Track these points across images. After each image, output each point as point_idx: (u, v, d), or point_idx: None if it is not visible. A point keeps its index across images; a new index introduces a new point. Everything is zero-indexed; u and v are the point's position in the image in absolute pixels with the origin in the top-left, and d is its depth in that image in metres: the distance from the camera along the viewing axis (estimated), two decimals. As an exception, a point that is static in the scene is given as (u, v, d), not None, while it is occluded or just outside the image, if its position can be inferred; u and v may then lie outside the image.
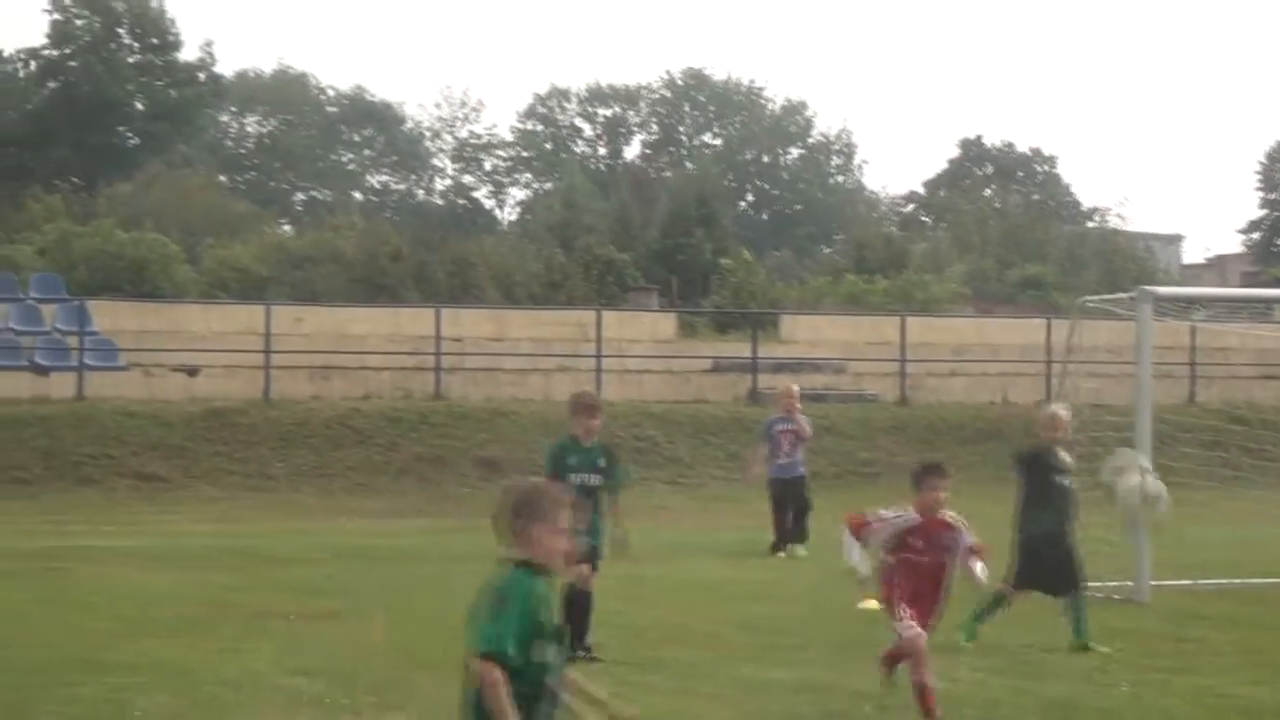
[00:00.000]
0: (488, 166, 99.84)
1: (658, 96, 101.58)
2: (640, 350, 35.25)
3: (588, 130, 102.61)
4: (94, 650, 13.17)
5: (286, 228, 74.00)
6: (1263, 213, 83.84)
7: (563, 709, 6.33)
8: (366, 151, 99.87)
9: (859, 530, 10.69)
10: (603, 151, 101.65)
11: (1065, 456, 14.38)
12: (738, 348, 36.49)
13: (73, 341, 31.73)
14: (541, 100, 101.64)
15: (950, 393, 35.48)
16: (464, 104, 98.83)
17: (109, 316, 33.42)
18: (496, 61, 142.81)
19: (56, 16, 71.96)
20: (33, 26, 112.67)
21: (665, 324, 39.17)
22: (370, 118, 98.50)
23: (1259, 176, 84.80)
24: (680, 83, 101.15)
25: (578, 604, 12.81)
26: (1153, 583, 16.69)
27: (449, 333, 33.76)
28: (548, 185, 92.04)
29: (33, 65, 73.06)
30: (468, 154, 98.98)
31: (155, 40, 73.42)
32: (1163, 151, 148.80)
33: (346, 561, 19.96)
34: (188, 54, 74.99)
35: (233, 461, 29.09)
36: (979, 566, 10.52)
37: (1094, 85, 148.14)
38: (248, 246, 48.11)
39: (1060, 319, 30.12)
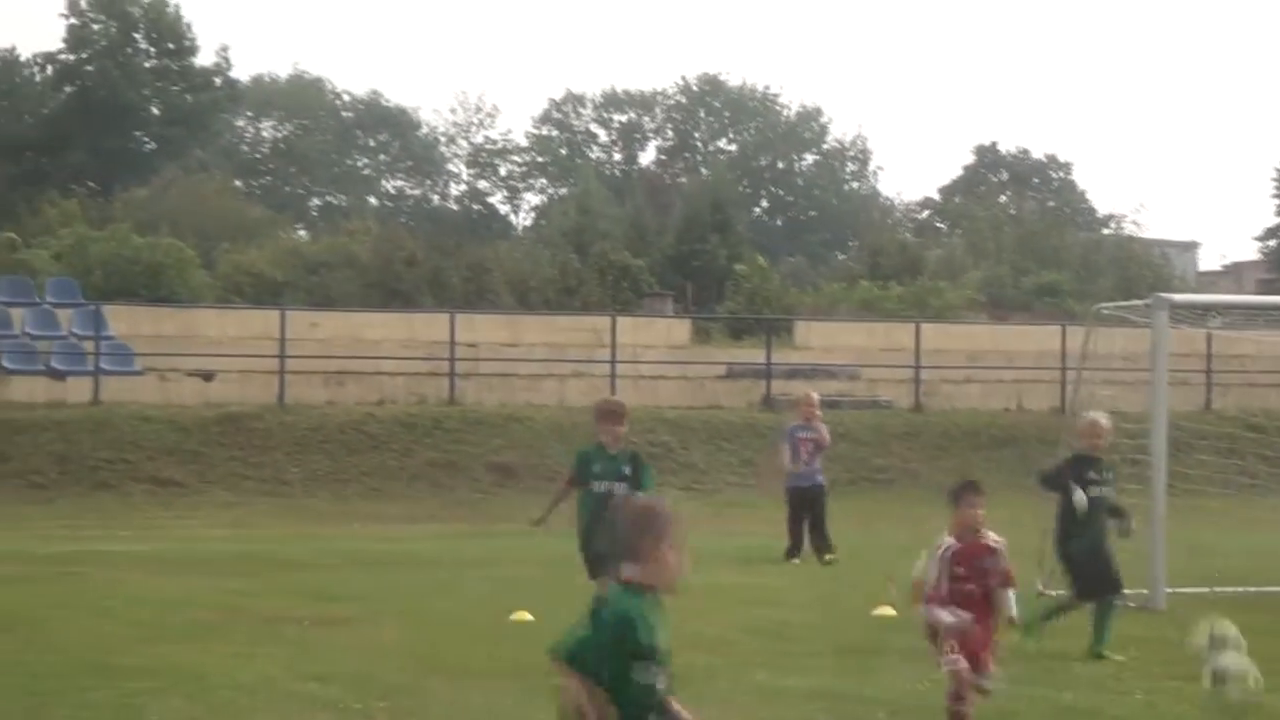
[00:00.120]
0: (503, 172, 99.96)
1: (673, 102, 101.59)
2: (655, 356, 35.25)
3: (603, 136, 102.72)
4: (109, 655, 13.19)
5: (302, 233, 74.10)
6: (1279, 220, 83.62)
7: None
8: (382, 156, 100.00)
9: (928, 599, 10.10)
10: (618, 157, 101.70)
11: (1103, 465, 14.24)
12: (752, 354, 36.49)
13: (88, 346, 31.81)
14: (557, 105, 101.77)
15: (965, 399, 35.44)
16: (479, 109, 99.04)
17: (125, 321, 33.50)
18: (512, 67, 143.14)
19: (73, 21, 72.19)
20: (49, 31, 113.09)
21: (680, 330, 39.18)
22: (385, 123, 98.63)
23: (1275, 183, 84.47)
24: (695, 88, 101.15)
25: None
26: (1168, 590, 16.65)
27: (463, 338, 33.79)
28: (563, 191, 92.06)
29: (49, 70, 73.28)
30: (483, 159, 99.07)
31: (171, 45, 73.59)
32: (1179, 158, 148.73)
33: (360, 567, 19.99)
34: (204, 59, 75.28)
35: (248, 466, 29.15)
36: (1011, 599, 10.09)
37: (1110, 92, 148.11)
38: (263, 251, 48.15)
39: (1075, 326, 30.05)
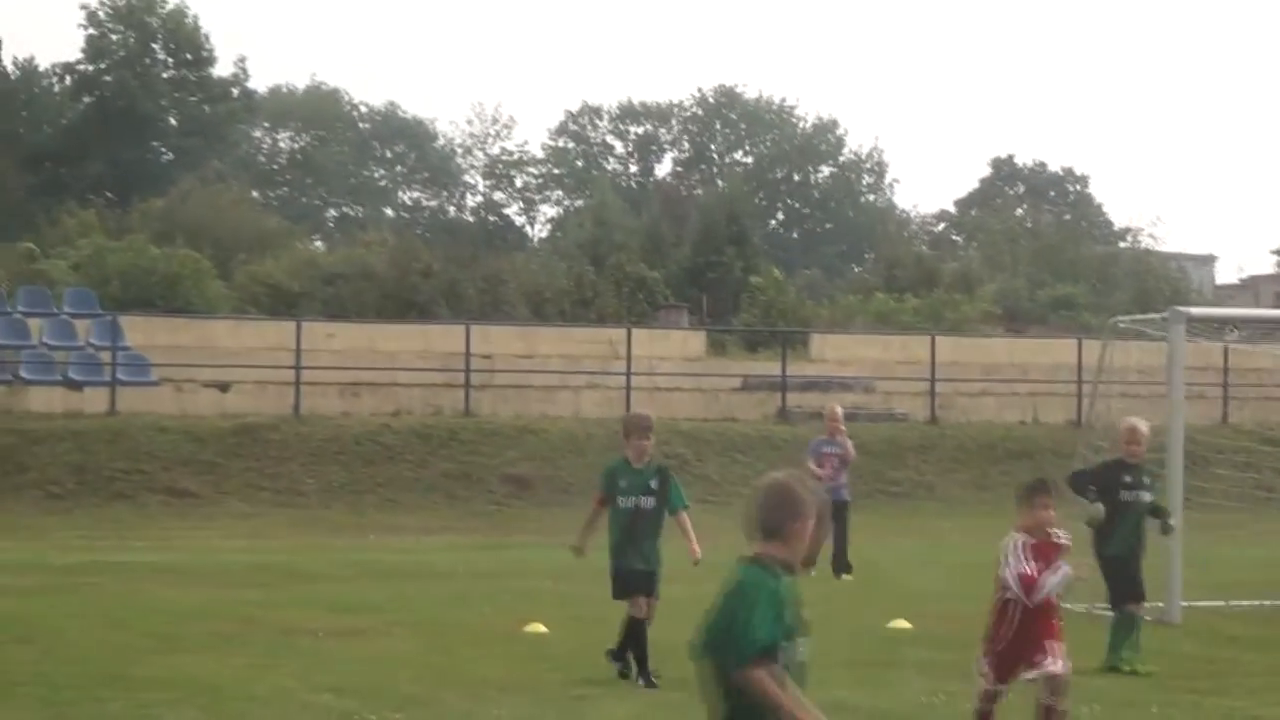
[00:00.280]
0: (519, 183, 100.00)
1: (689, 114, 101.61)
2: (670, 368, 35.25)
3: (619, 147, 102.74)
4: (125, 665, 13.23)
5: (318, 244, 74.19)
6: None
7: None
8: (398, 168, 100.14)
9: (1032, 584, 9.88)
10: (634, 169, 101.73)
11: (1140, 468, 14.22)
12: (767, 366, 36.47)
13: (105, 357, 31.86)
14: (573, 117, 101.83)
15: (980, 412, 35.39)
16: (495, 120, 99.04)
17: (141, 332, 33.56)
18: (528, 78, 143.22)
19: (92, 31, 72.38)
20: (68, 41, 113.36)
21: (695, 342, 39.18)
22: (402, 134, 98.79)
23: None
24: (712, 100, 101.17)
25: (644, 628, 12.78)
26: (1184, 603, 16.63)
27: (479, 350, 33.81)
28: (579, 202, 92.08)
29: (68, 80, 73.49)
30: (499, 171, 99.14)
31: (189, 56, 73.77)
32: (1196, 171, 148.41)
33: (375, 578, 20.01)
34: (221, 69, 75.40)
35: (263, 477, 29.18)
36: (1052, 580, 9.95)
37: (1127, 105, 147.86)
38: (279, 262, 48.20)
39: (1092, 339, 30.02)
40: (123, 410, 30.67)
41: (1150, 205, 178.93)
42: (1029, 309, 54.09)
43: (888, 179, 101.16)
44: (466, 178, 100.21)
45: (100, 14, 72.45)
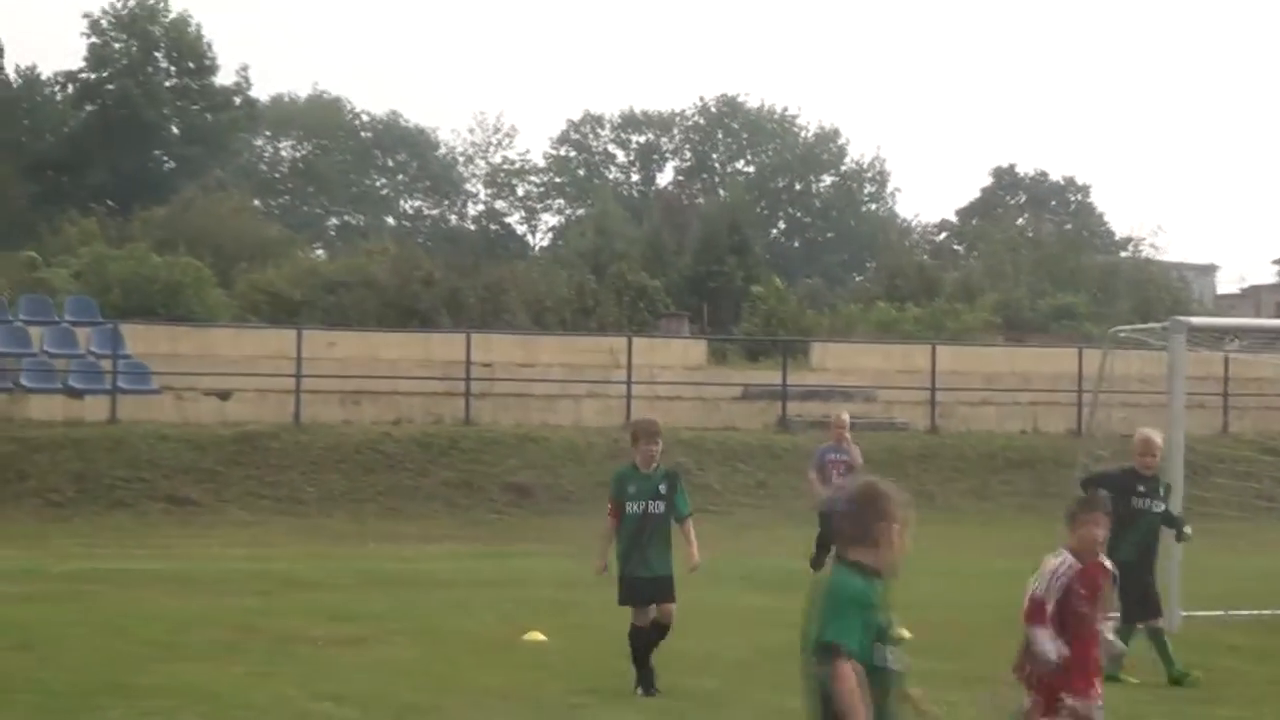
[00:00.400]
0: (520, 192, 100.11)
1: (691, 123, 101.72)
2: (670, 377, 35.27)
3: (621, 156, 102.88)
4: (124, 673, 13.22)
5: (319, 252, 74.25)
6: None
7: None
8: (400, 176, 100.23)
9: (1041, 617, 9.06)
10: (635, 178, 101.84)
11: (1154, 480, 14.21)
12: (768, 375, 36.47)
13: (106, 365, 31.87)
14: (575, 126, 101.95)
15: (981, 421, 35.40)
16: (497, 129, 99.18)
17: (142, 340, 33.57)
18: (530, 87, 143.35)
19: (94, 40, 72.50)
20: (70, 50, 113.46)
21: (696, 351, 39.18)
22: (404, 143, 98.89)
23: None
24: (714, 110, 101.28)
25: (648, 637, 12.73)
26: (1183, 613, 16.61)
27: (480, 358, 33.83)
28: (580, 211, 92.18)
29: (70, 89, 73.61)
30: (501, 179, 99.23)
31: (191, 64, 73.88)
32: (1197, 181, 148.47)
33: (376, 586, 20.01)
34: (224, 78, 75.52)
35: (264, 485, 29.18)
36: (1110, 628, 9.59)
37: (1128, 115, 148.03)
38: (280, 271, 48.21)
39: (1092, 348, 30.03)
40: (123, 418, 30.68)
41: (1151, 215, 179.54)
42: (1030, 318, 54.08)
43: (889, 188, 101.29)
44: (468, 186, 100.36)
45: (103, 22, 72.59)
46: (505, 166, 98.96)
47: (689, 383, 35.42)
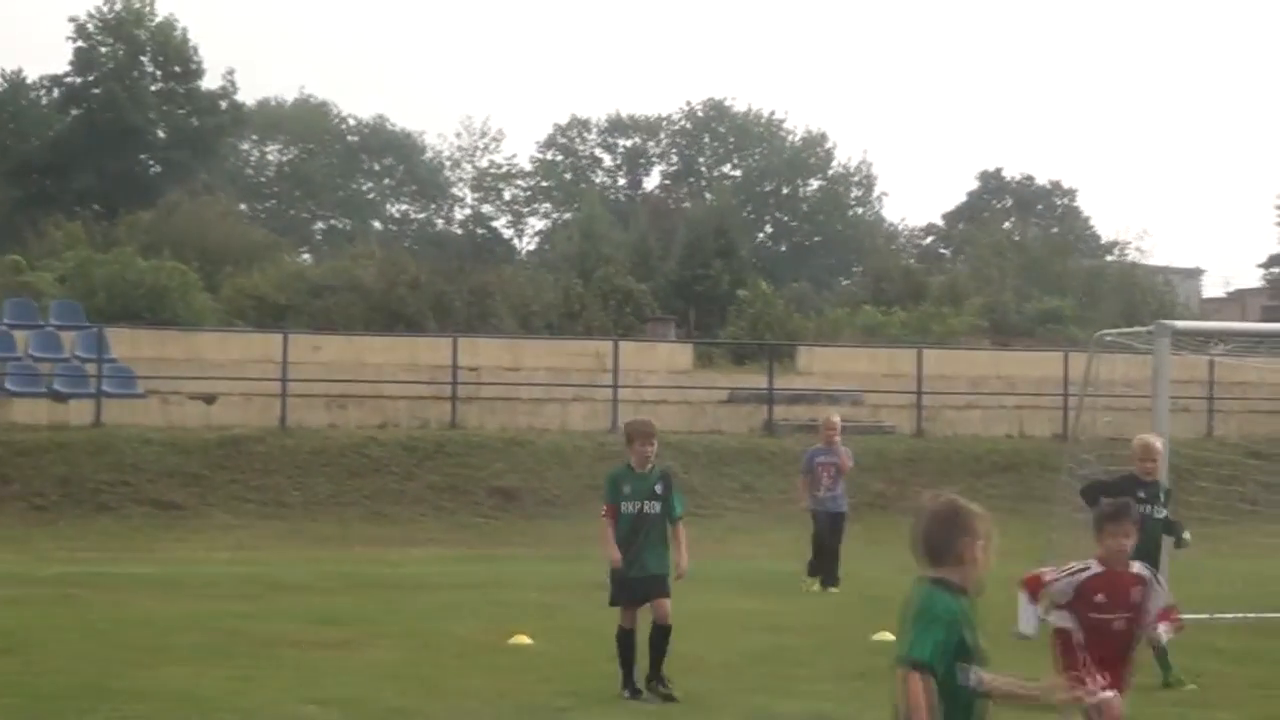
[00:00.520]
0: (507, 196, 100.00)
1: (678, 127, 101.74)
2: (657, 380, 35.25)
3: (607, 161, 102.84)
4: (108, 677, 13.19)
5: (306, 256, 74.15)
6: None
7: None
8: (386, 181, 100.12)
9: (1035, 590, 9.39)
10: (622, 182, 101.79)
11: (1154, 485, 14.20)
12: (754, 379, 36.47)
13: (91, 369, 31.80)
14: (561, 130, 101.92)
15: (967, 425, 35.43)
16: (484, 134, 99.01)
17: (127, 344, 33.49)
18: (517, 91, 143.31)
19: (80, 44, 72.35)
20: (56, 54, 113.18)
21: (682, 354, 39.17)
22: (390, 147, 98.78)
23: (1279, 211, 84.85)
24: (700, 114, 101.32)
25: (657, 636, 12.70)
26: (1169, 617, 16.61)
27: (466, 362, 33.80)
28: (567, 215, 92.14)
29: (56, 92, 73.46)
30: (487, 184, 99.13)
31: (178, 68, 73.74)
32: (1183, 185, 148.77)
33: (361, 590, 19.99)
34: (210, 82, 75.33)
35: (249, 489, 29.13)
36: (1164, 629, 9.50)
37: (1114, 119, 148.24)
38: (266, 275, 48.16)
39: (1078, 352, 30.09)
40: (108, 422, 30.62)
41: (1137, 219, 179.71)
42: (1016, 322, 54.16)
43: (876, 192, 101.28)
44: (455, 190, 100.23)
45: (89, 26, 72.42)
46: (492, 170, 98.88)
47: (675, 386, 35.42)
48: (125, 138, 70.04)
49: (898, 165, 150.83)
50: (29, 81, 74.56)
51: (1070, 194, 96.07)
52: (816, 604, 19.37)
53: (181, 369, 32.34)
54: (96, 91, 71.33)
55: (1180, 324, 20.42)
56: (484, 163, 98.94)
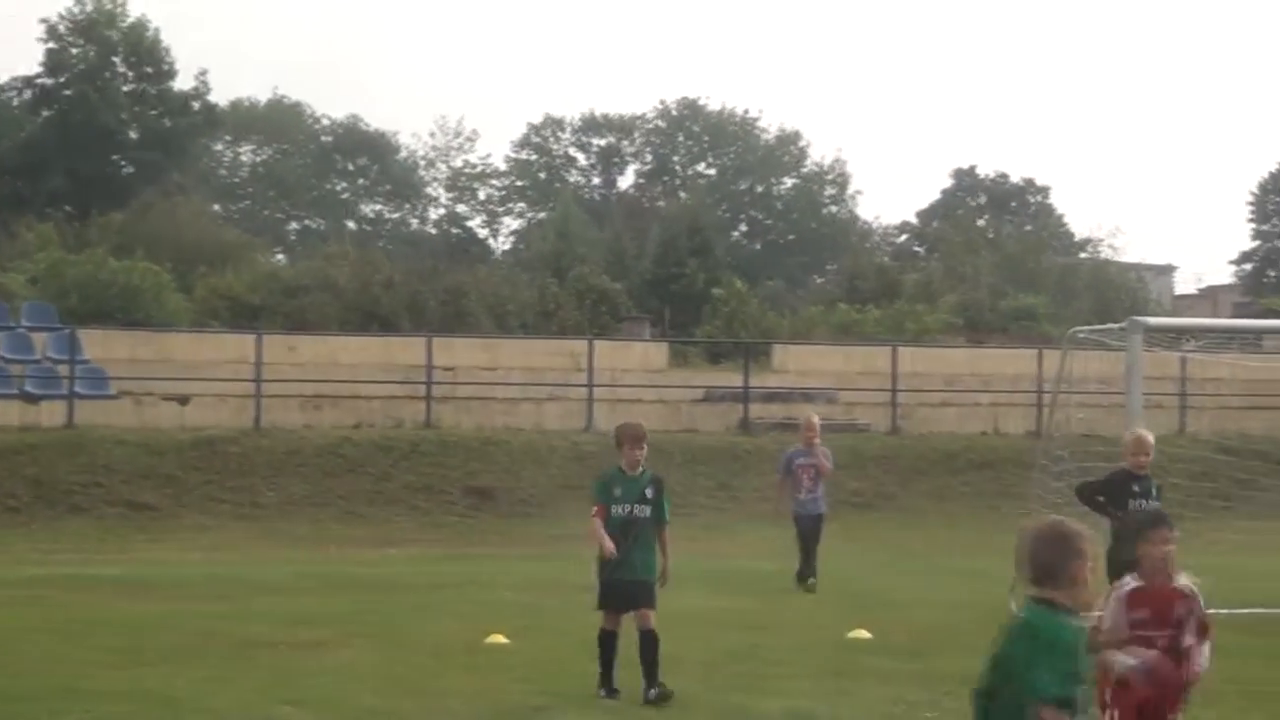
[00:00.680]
0: (481, 196, 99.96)
1: (652, 126, 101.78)
2: (632, 379, 35.26)
3: (582, 160, 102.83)
4: (81, 679, 13.13)
5: (280, 257, 73.99)
6: (1255, 244, 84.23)
7: None
8: (360, 181, 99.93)
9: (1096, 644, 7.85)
10: (597, 181, 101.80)
11: (1147, 479, 14.21)
12: (729, 377, 36.51)
13: (63, 370, 31.69)
14: (536, 130, 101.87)
15: (941, 423, 35.52)
16: (458, 133, 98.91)
17: (100, 345, 33.37)
18: (491, 91, 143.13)
19: (51, 45, 72.02)
20: (27, 54, 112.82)
21: (657, 353, 39.18)
22: (364, 147, 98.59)
23: (1251, 208, 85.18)
24: (675, 113, 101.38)
25: (645, 644, 12.63)
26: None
27: (441, 362, 33.78)
28: (541, 215, 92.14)
29: (27, 94, 73.12)
30: (462, 183, 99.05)
31: (150, 69, 73.43)
32: (1155, 182, 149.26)
33: (336, 590, 19.93)
34: (182, 83, 74.99)
35: (223, 490, 29.05)
36: (1206, 652, 8.60)
37: (1088, 116, 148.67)
38: (240, 275, 48.05)
39: (1052, 349, 30.17)
40: (81, 423, 30.51)
41: (1110, 216, 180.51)
42: (990, 319, 54.28)
43: (850, 190, 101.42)
44: (429, 190, 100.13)
45: (60, 27, 72.07)
46: (466, 170, 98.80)
47: (651, 385, 35.42)
48: (97, 139, 69.72)
49: (872, 163, 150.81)
50: (0, 83, 74.29)
51: (1044, 191, 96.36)
52: (793, 602, 19.38)
53: (155, 370, 32.24)
54: (68, 93, 71.02)
55: (1153, 320, 20.52)
56: (458, 162, 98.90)
